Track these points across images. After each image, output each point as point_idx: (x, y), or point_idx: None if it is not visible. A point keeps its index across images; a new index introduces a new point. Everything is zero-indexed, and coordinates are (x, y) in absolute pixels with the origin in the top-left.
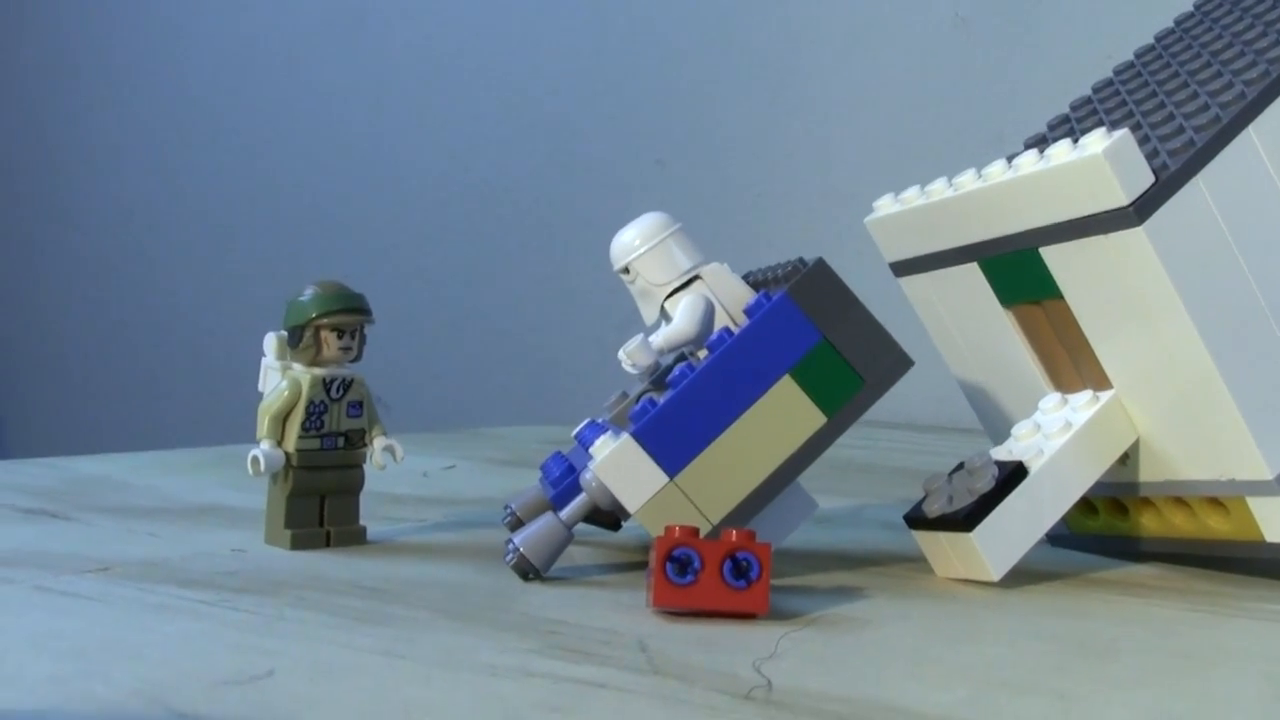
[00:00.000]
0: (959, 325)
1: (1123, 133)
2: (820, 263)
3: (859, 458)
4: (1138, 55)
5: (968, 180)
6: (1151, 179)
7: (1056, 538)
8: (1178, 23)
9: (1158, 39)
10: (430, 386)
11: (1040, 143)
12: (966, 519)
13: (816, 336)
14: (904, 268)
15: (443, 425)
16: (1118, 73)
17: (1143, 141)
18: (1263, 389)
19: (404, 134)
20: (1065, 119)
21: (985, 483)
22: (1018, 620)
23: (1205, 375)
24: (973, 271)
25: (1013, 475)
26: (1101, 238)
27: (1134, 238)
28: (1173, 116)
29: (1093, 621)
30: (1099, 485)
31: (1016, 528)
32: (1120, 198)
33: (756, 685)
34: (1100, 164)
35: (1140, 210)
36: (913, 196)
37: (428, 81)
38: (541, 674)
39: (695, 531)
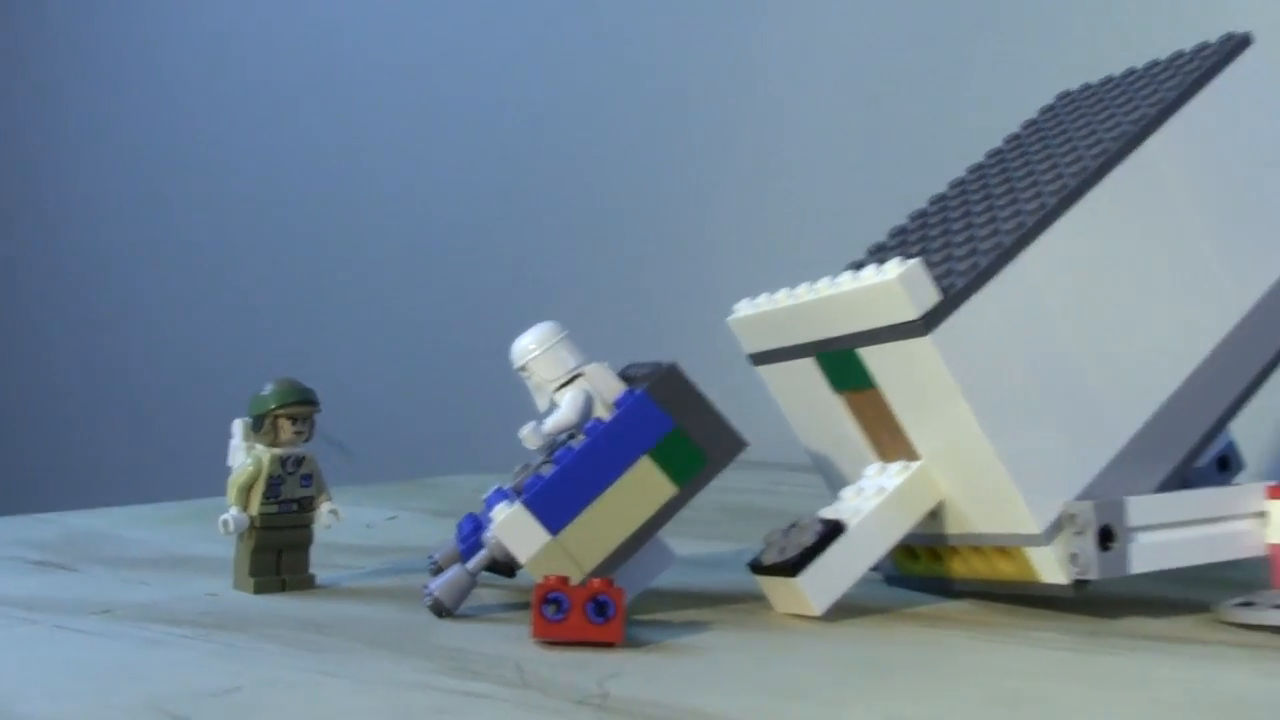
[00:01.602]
0: (804, 406)
1: (915, 261)
2: (673, 366)
3: (757, 502)
4: (970, 171)
5: (803, 291)
6: (939, 297)
7: (891, 578)
8: (1006, 141)
9: (989, 155)
10: (384, 435)
11: (878, 250)
12: (793, 566)
13: (670, 424)
14: (759, 359)
15: (392, 475)
16: (952, 186)
17: (944, 260)
18: (1031, 462)
19: (353, 195)
20: (901, 229)
21: (809, 537)
22: (829, 646)
23: (984, 453)
24: (810, 364)
25: (832, 531)
26: (900, 343)
27: (922, 345)
28: (971, 239)
29: (888, 646)
30: (918, 536)
31: (835, 573)
32: (911, 313)
33: (596, 694)
34: (894, 286)
35: (927, 323)
36: (763, 302)
37: (376, 148)
38: (439, 688)
39: (566, 579)
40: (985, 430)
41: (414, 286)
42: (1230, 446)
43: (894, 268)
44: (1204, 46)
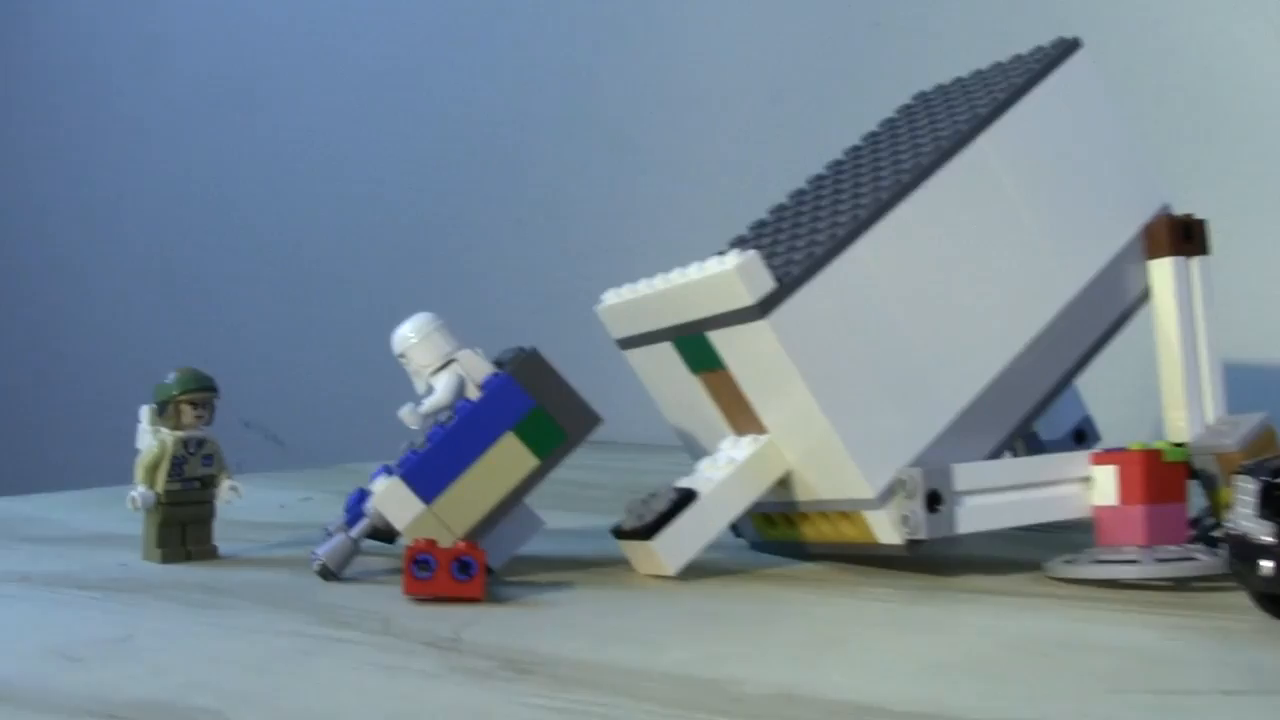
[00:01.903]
0: (666, 386)
1: (752, 252)
2: (534, 351)
3: (651, 482)
4: (828, 167)
5: (659, 281)
6: (774, 285)
7: (754, 544)
8: (864, 139)
9: (846, 152)
10: (311, 425)
11: (738, 242)
12: (648, 531)
13: (531, 403)
14: (625, 343)
15: (319, 461)
16: (810, 182)
17: (787, 251)
18: (865, 434)
19: (277, 193)
20: (761, 222)
21: (663, 504)
22: (675, 601)
23: (822, 426)
24: (669, 348)
25: (685, 498)
26: (741, 327)
27: (760, 328)
28: (813, 231)
29: (730, 601)
30: (772, 504)
31: (687, 537)
32: (748, 299)
33: (448, 639)
34: (733, 275)
35: (763, 308)
36: (626, 291)
37: (298, 146)
38: (309, 635)
39: (434, 542)
40: (821, 406)
41: (339, 284)
42: (1087, 420)
43: (733, 258)
44: (1039, 50)
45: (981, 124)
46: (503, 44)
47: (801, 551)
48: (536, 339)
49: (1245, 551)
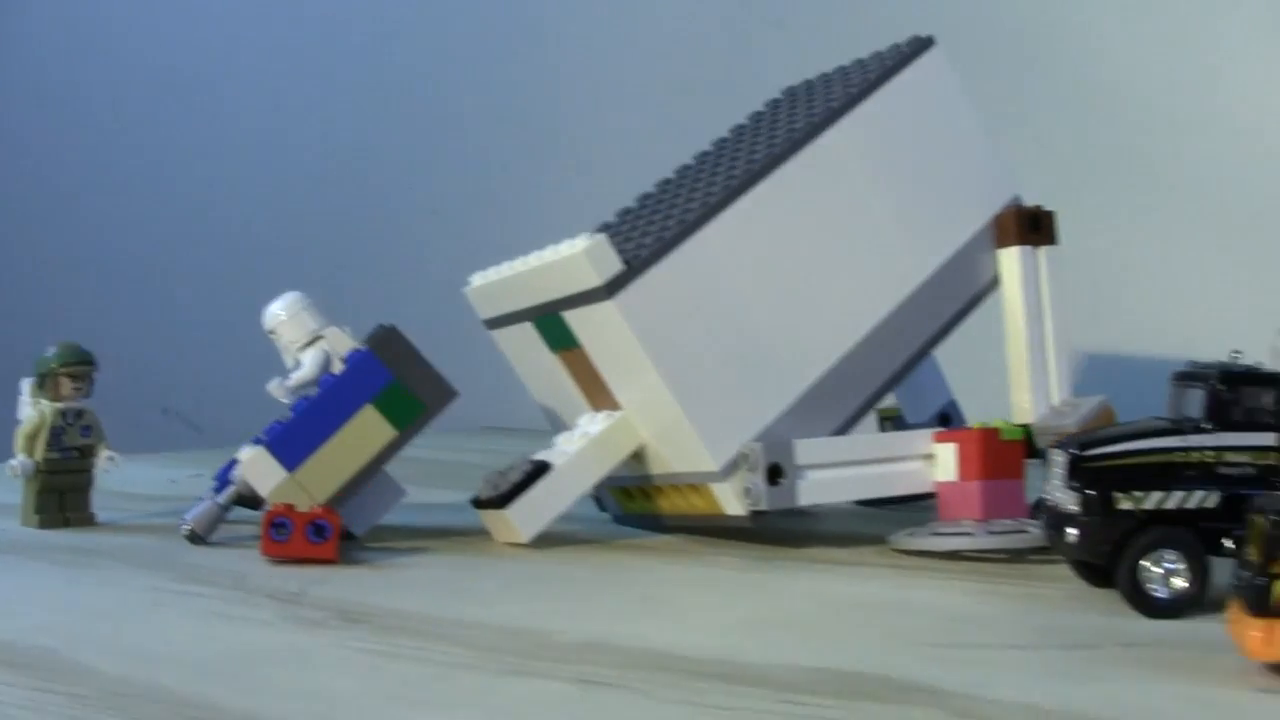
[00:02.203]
0: (530, 365)
1: (600, 235)
2: (393, 328)
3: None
4: (695, 157)
5: (519, 263)
6: (621, 266)
7: (617, 518)
8: (731, 131)
9: (714, 143)
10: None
11: (604, 227)
12: (503, 500)
13: (389, 377)
14: (492, 324)
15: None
16: (676, 171)
17: (640, 236)
18: (710, 409)
19: (175, 182)
20: (628, 210)
21: (518, 475)
22: (523, 565)
23: (669, 402)
24: (530, 328)
25: (539, 470)
26: (591, 307)
27: (608, 308)
28: (668, 216)
29: (574, 566)
30: (630, 477)
31: (541, 506)
32: (596, 280)
33: (292, 594)
34: (581, 258)
35: (610, 289)
36: (491, 273)
37: (222, 128)
38: (165, 590)
39: (292, 506)
40: (667, 383)
41: (255, 273)
42: (952, 404)
43: (582, 241)
44: (895, 47)
45: (833, 116)
46: (392, 31)
47: (659, 524)
48: (446, 326)
49: (1056, 520)
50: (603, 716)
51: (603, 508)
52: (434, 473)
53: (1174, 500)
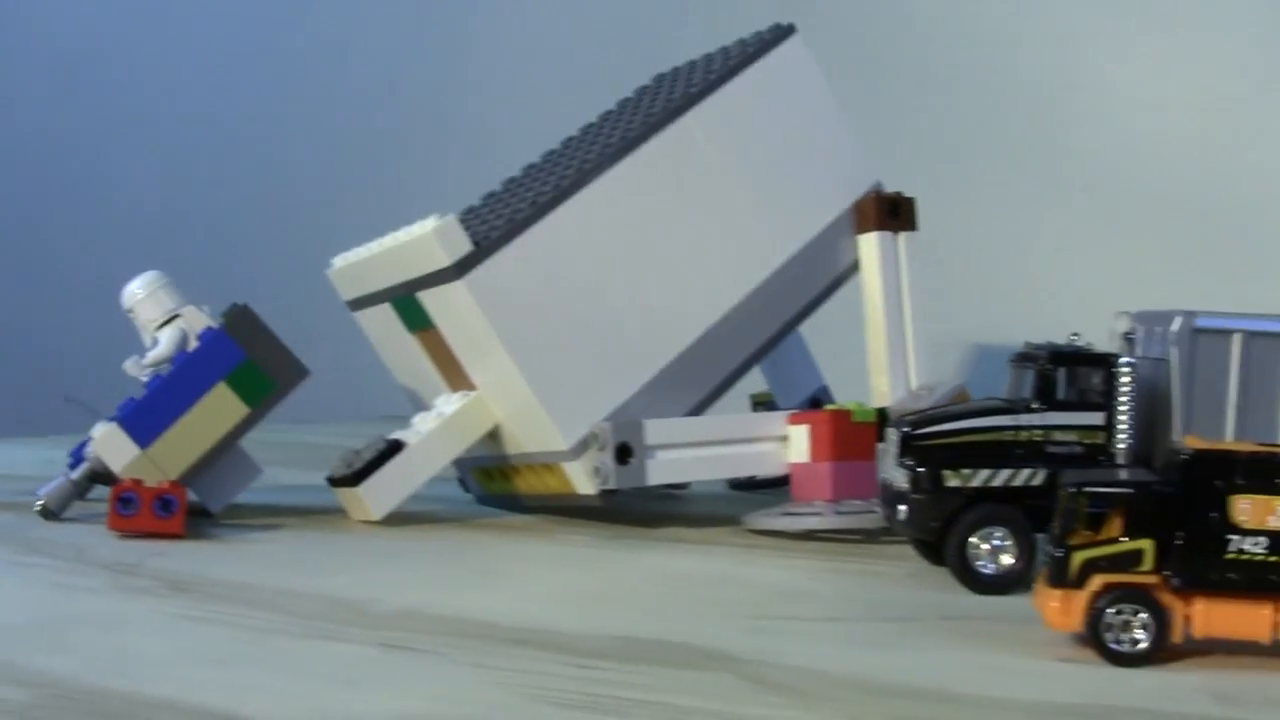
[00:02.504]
0: (390, 345)
1: (450, 216)
2: (245, 307)
3: None
4: (562, 143)
5: (375, 245)
6: (470, 247)
7: (480, 498)
8: (599, 117)
9: (582, 129)
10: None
11: (468, 211)
12: (355, 478)
13: (242, 355)
14: (354, 305)
15: None
16: (542, 156)
17: (494, 219)
18: (561, 390)
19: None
20: (492, 193)
21: (370, 453)
22: (368, 541)
23: (519, 382)
24: (388, 309)
25: (391, 448)
26: (443, 287)
27: (457, 289)
28: (524, 199)
29: (420, 542)
30: (488, 457)
31: (393, 484)
32: (445, 261)
33: (127, 565)
34: (430, 238)
35: (459, 269)
36: (351, 255)
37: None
38: (11, 561)
39: (140, 481)
40: (517, 363)
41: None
42: (824, 390)
43: (432, 222)
44: (758, 35)
45: (690, 102)
46: (268, 17)
47: (519, 504)
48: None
49: (890, 498)
50: (391, 676)
51: (466, 489)
52: (329, 458)
53: (1002, 478)
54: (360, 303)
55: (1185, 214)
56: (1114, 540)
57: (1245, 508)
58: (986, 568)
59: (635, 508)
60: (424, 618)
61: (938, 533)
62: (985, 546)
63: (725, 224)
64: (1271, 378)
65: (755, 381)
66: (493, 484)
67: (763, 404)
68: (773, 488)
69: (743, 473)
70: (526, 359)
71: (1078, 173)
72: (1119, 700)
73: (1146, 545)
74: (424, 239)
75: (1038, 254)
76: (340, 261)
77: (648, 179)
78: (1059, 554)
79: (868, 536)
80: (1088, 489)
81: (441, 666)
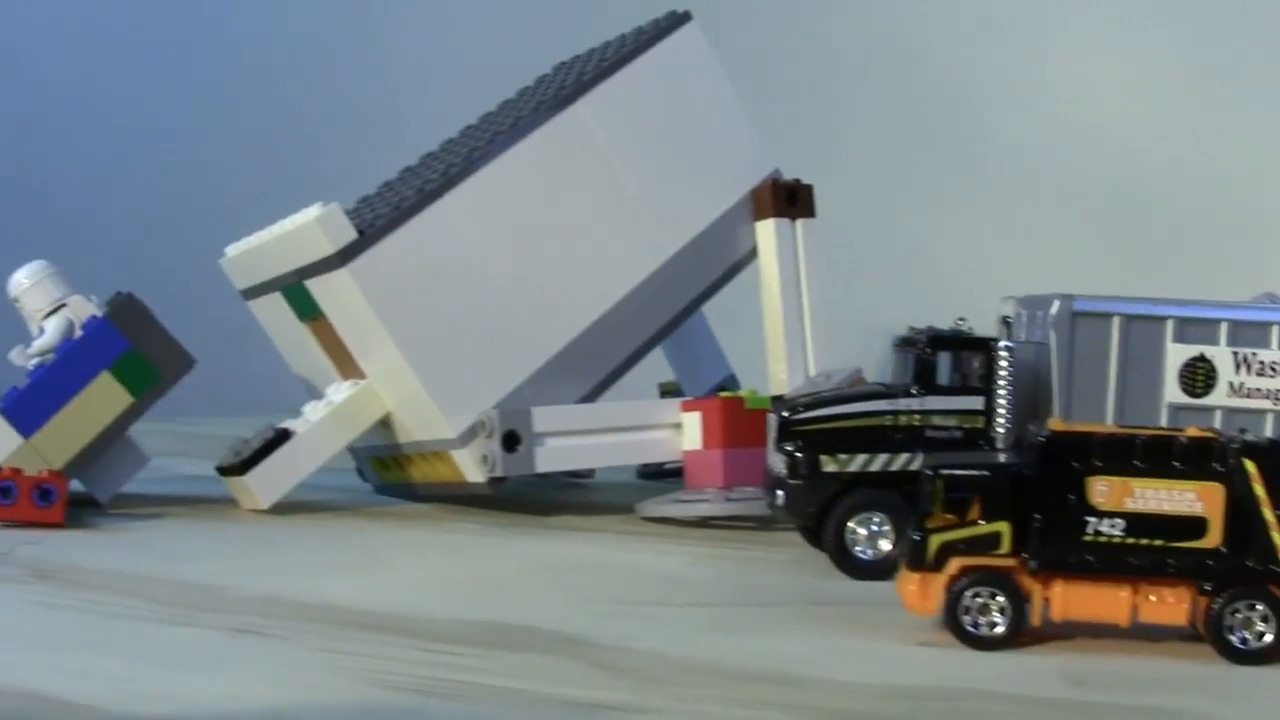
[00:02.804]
0: (284, 335)
1: (333, 204)
2: (130, 295)
3: None
4: (461, 131)
5: (264, 233)
6: (355, 234)
7: (377, 488)
8: (499, 106)
9: (481, 117)
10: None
11: (364, 200)
12: (242, 466)
13: (126, 345)
14: (247, 294)
15: None
16: (441, 145)
17: (383, 207)
18: (448, 377)
19: None
20: (388, 182)
21: (258, 442)
22: (251, 530)
23: (405, 370)
24: (279, 298)
25: (279, 437)
26: (328, 275)
27: (342, 276)
28: (411, 188)
29: (304, 531)
30: (382, 447)
31: (280, 473)
32: (329, 249)
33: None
34: (314, 226)
35: (343, 257)
36: (242, 244)
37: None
38: None
39: (19, 470)
40: (403, 351)
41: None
42: (731, 379)
43: (315, 209)
44: (655, 22)
45: (581, 89)
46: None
47: (415, 493)
48: None
49: (770, 483)
50: (233, 660)
51: (365, 478)
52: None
53: (879, 463)
54: (252, 292)
55: (1100, 203)
56: (972, 523)
57: (1103, 489)
58: (864, 553)
59: (537, 496)
60: (283, 603)
61: (815, 518)
62: (863, 532)
63: (618, 211)
64: (1151, 360)
65: (665, 370)
66: (389, 473)
67: (670, 393)
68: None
69: (636, 460)
70: (412, 347)
71: (991, 161)
72: (968, 684)
73: (1004, 528)
74: (307, 226)
75: (947, 241)
76: (232, 250)
77: (537, 166)
78: (916, 537)
79: (761, 523)
80: (944, 472)
81: (287, 651)
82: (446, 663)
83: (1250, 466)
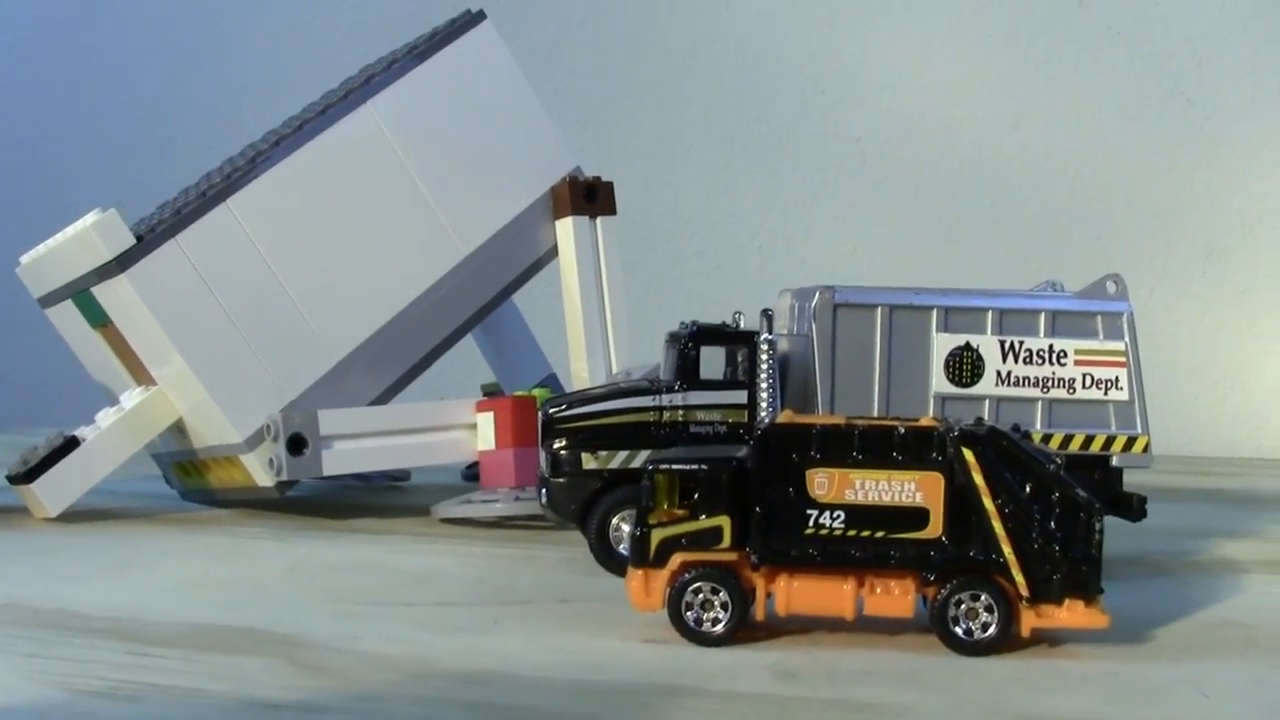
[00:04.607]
0: (81, 342)
1: (111, 210)
2: None
3: None
4: (264, 135)
5: (51, 241)
6: (132, 240)
7: (182, 494)
8: (305, 109)
9: (289, 120)
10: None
11: (161, 206)
12: (29, 475)
13: None
14: (43, 302)
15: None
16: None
17: (168, 213)
18: (232, 382)
19: None
20: (190, 187)
21: (45, 450)
22: (28, 538)
23: (190, 376)
24: (71, 305)
25: (67, 445)
26: (110, 281)
27: (121, 283)
28: (195, 194)
29: (83, 538)
30: (180, 453)
31: (69, 481)
32: (106, 255)
33: None
34: (90, 233)
35: (121, 264)
36: (34, 252)
37: None
38: None
39: None
40: (185, 356)
41: None
42: (552, 377)
43: (92, 216)
44: (451, 21)
45: (371, 91)
46: None
47: (215, 498)
48: None
49: (538, 481)
50: None
51: (170, 484)
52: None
53: (641, 459)
54: (47, 300)
55: (937, 194)
56: (694, 518)
57: (823, 481)
58: (627, 550)
59: (346, 500)
60: (19, 609)
61: (579, 515)
62: (626, 529)
63: (410, 213)
64: (919, 350)
65: (488, 372)
66: (189, 479)
67: (490, 394)
68: None
69: (428, 462)
70: (195, 352)
71: (816, 154)
72: (676, 680)
73: (724, 522)
74: (84, 233)
75: (766, 234)
76: (26, 259)
77: (324, 168)
78: (638, 533)
79: (559, 522)
80: (662, 467)
81: None
82: (150, 665)
83: (969, 455)
